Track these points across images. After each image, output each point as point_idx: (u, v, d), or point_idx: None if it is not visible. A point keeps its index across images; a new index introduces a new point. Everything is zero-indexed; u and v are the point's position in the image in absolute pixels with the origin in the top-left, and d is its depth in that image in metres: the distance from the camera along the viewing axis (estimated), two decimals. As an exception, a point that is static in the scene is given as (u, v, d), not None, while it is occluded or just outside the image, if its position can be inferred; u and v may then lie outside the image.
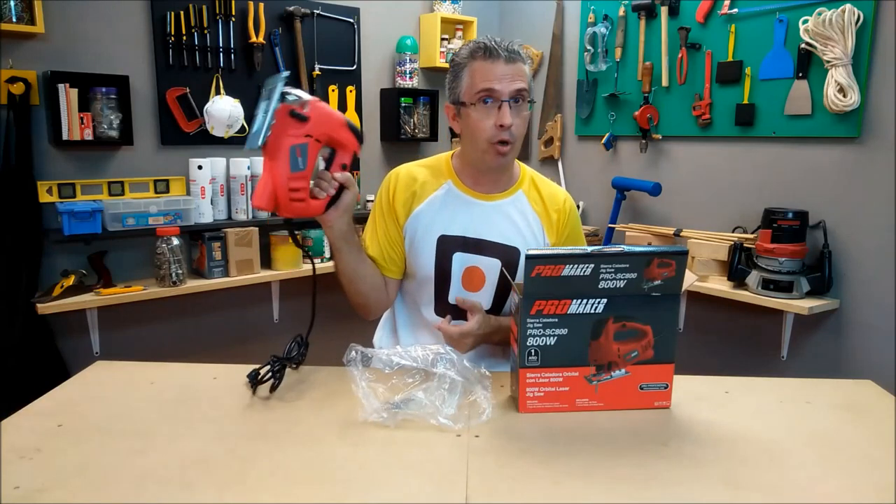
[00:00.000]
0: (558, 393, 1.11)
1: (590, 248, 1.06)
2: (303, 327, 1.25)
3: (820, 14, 2.15)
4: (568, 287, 1.06)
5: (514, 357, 1.14)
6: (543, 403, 1.11)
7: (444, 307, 1.40)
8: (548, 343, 1.09)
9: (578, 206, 3.12)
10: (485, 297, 1.39)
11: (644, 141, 2.77)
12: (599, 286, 1.07)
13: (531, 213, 1.41)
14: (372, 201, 3.05)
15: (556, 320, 1.09)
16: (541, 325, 1.09)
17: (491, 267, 1.38)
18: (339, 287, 1.39)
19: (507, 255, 1.37)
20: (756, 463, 0.97)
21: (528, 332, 1.09)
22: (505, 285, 1.38)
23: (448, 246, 1.37)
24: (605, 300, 1.08)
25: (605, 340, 1.10)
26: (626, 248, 1.08)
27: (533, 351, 1.10)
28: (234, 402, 1.15)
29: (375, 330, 1.57)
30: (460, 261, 1.38)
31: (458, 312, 1.37)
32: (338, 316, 3.06)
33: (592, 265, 1.05)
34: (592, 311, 1.09)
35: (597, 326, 1.09)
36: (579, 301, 1.08)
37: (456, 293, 1.39)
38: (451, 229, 1.37)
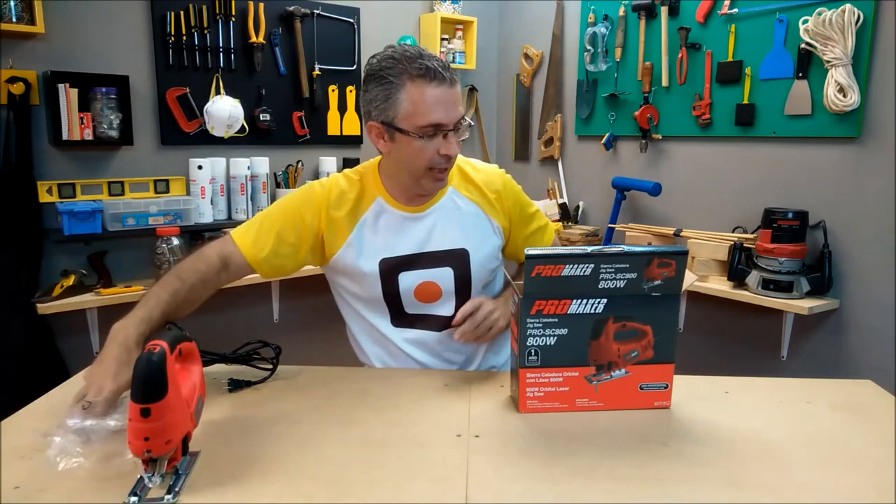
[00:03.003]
0: (558, 393, 1.11)
1: (590, 248, 1.06)
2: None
3: (820, 14, 2.15)
4: (568, 287, 1.07)
5: (514, 357, 1.14)
6: (543, 403, 1.11)
7: (402, 320, 1.36)
8: (548, 343, 1.09)
9: (578, 207, 3.14)
10: (446, 308, 1.35)
11: (644, 141, 2.77)
12: (599, 286, 1.07)
13: (469, 206, 1.36)
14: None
15: (556, 320, 1.09)
16: (541, 325, 1.09)
17: (443, 276, 1.33)
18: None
19: (456, 258, 1.33)
20: (756, 463, 0.97)
21: (528, 332, 1.09)
22: (464, 291, 1.35)
23: (391, 268, 1.31)
24: (605, 300, 1.08)
25: (605, 340, 1.10)
26: (626, 248, 1.08)
27: (533, 351, 1.10)
28: (233, 401, 1.15)
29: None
30: (408, 279, 1.32)
31: (419, 322, 1.35)
32: (336, 316, 3.07)
33: (592, 265, 1.05)
34: (592, 311, 1.09)
35: (597, 326, 1.09)
36: (579, 301, 1.08)
37: (411, 307, 1.35)
38: (390, 251, 1.31)
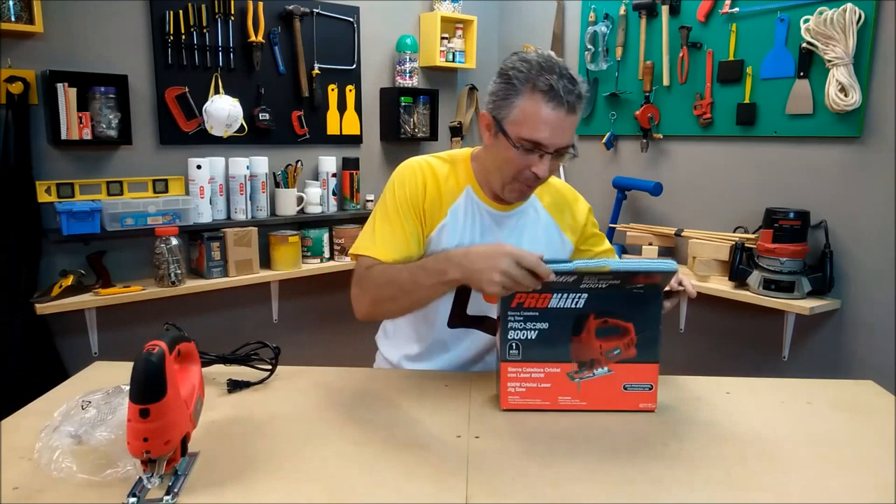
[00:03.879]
0: (540, 389, 1.11)
1: (574, 264, 1.04)
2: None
3: (821, 13, 2.15)
4: (549, 285, 1.06)
5: (497, 351, 1.14)
6: (525, 400, 1.11)
7: (460, 320, 1.36)
8: (529, 337, 1.09)
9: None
10: None
11: (645, 140, 2.76)
12: (581, 286, 1.08)
13: (546, 216, 1.38)
14: (372, 201, 3.06)
15: (537, 314, 1.08)
16: (521, 318, 1.09)
17: None
18: (382, 300, 1.24)
19: None
20: (756, 463, 0.96)
21: (510, 325, 1.09)
22: None
23: None
24: (585, 295, 1.08)
25: (586, 336, 1.10)
26: (612, 264, 1.06)
27: (514, 344, 1.09)
28: (232, 402, 1.15)
29: (377, 334, 1.54)
30: None
31: (475, 324, 1.36)
32: (335, 316, 3.07)
33: (576, 276, 1.05)
34: (573, 306, 1.08)
35: (578, 322, 1.09)
36: (560, 294, 1.08)
37: (476, 306, 1.35)
38: (475, 242, 1.31)
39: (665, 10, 2.62)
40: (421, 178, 1.31)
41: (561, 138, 1.18)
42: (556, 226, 1.39)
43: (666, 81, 2.67)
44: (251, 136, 2.68)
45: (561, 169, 3.19)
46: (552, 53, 1.21)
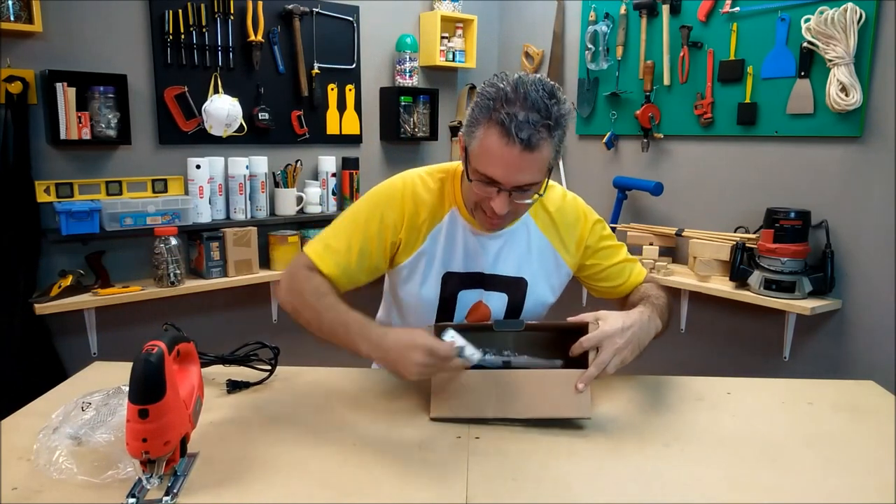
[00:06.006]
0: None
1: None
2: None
3: (822, 13, 2.14)
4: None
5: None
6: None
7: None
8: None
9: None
10: None
11: (645, 140, 2.76)
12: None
13: (539, 237, 1.31)
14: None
15: None
16: None
17: (497, 301, 1.31)
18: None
19: (514, 286, 1.31)
20: (756, 463, 0.96)
21: None
22: (511, 318, 1.33)
23: (454, 283, 1.29)
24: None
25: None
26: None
27: None
28: (231, 402, 1.14)
29: None
30: (466, 297, 1.30)
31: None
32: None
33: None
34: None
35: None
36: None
37: (461, 318, 1.32)
38: (456, 265, 1.28)
39: (666, 9, 2.62)
40: (400, 205, 1.25)
41: (517, 177, 1.11)
42: (550, 247, 1.32)
43: (666, 81, 2.67)
44: (250, 136, 2.68)
45: (562, 171, 3.19)
46: (535, 78, 1.10)
